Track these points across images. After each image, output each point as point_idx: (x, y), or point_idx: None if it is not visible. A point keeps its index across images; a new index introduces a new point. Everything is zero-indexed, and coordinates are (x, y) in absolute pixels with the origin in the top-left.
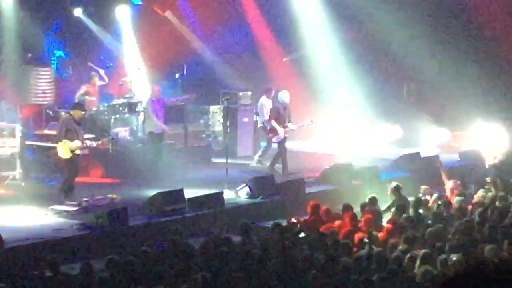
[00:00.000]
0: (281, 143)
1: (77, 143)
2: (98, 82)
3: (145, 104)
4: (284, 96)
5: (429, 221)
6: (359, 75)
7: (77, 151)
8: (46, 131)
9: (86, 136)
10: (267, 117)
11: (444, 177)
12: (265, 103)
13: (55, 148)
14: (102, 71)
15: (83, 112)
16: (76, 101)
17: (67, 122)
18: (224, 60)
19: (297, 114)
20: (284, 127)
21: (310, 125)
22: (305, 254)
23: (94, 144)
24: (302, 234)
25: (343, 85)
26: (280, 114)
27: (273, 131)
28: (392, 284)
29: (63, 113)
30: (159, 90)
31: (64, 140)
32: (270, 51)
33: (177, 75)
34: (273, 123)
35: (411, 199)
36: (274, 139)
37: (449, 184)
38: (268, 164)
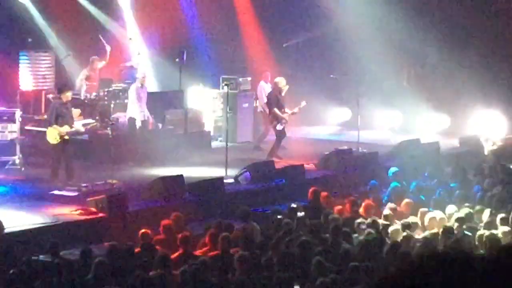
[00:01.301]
0: (281, 131)
1: (66, 128)
2: (99, 65)
3: (131, 90)
4: (281, 82)
5: (430, 208)
6: (359, 60)
7: (66, 137)
8: (46, 116)
9: (85, 121)
10: (265, 100)
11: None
12: (264, 86)
13: None
14: (109, 48)
15: (71, 92)
16: (77, 86)
17: (57, 107)
18: (220, 45)
19: (296, 101)
20: (283, 113)
21: (305, 107)
22: (305, 239)
23: (82, 129)
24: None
25: (342, 71)
26: (279, 101)
27: (276, 119)
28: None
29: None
30: (145, 78)
31: (54, 126)
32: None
33: (176, 60)
34: (276, 112)
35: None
36: (278, 127)
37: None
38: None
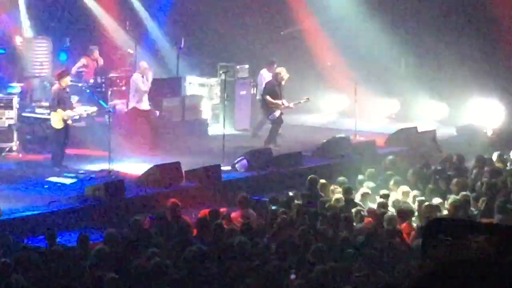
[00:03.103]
0: (276, 120)
1: (69, 112)
2: (98, 57)
3: (132, 80)
4: (282, 72)
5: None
6: (356, 49)
7: (69, 121)
8: (44, 103)
9: (85, 107)
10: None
11: (439, 152)
12: (265, 75)
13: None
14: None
15: (70, 78)
16: (73, 73)
17: (58, 93)
18: (223, 32)
19: (293, 89)
20: (279, 104)
21: (307, 102)
22: (302, 228)
23: (84, 113)
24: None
25: (340, 59)
26: (275, 91)
27: (269, 108)
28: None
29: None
30: (147, 68)
31: (58, 110)
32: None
33: (174, 48)
34: (268, 99)
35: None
36: (269, 117)
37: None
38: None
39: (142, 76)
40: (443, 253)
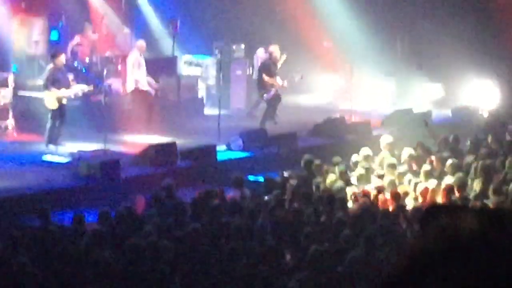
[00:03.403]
0: (271, 100)
1: (63, 92)
2: (92, 35)
3: (129, 59)
4: (275, 51)
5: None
6: (352, 29)
7: (64, 101)
8: (39, 82)
9: (80, 86)
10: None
11: (432, 134)
12: (261, 55)
13: None
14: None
15: (64, 56)
16: (68, 52)
17: (52, 72)
18: (218, 12)
19: (288, 69)
20: (272, 82)
21: (302, 81)
22: (297, 208)
23: (80, 92)
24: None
25: (336, 39)
26: (270, 70)
27: (265, 87)
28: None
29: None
30: (144, 46)
31: (51, 89)
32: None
33: (170, 28)
34: (265, 78)
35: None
36: (264, 96)
37: (440, 139)
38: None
39: (140, 55)
40: (436, 236)
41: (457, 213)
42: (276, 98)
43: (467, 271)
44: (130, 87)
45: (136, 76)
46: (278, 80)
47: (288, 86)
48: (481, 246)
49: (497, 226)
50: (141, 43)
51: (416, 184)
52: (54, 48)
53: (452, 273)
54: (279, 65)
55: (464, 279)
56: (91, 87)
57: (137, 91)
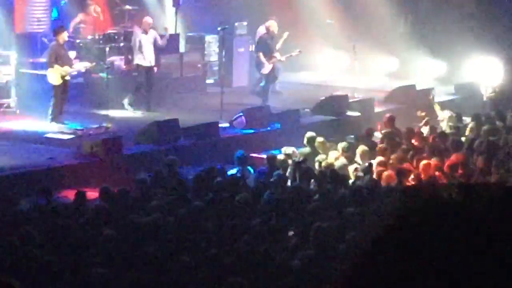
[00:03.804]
0: (269, 75)
1: (67, 68)
2: (94, 13)
3: (133, 36)
4: (272, 26)
5: (424, 154)
6: (355, 6)
7: (67, 77)
8: (41, 59)
9: (83, 63)
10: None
11: (437, 109)
12: (261, 33)
13: None
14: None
15: (66, 33)
16: (71, 29)
17: (55, 49)
18: None
19: (291, 46)
20: (271, 57)
21: (298, 55)
22: (299, 185)
23: (83, 69)
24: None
25: (339, 16)
26: (267, 45)
27: (261, 63)
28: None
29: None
30: (150, 24)
31: (54, 66)
32: None
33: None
34: (260, 56)
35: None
36: (262, 71)
37: (443, 116)
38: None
39: (146, 33)
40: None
41: (439, 188)
42: (273, 73)
43: (442, 234)
44: (134, 64)
45: (140, 53)
46: (277, 55)
47: (286, 60)
48: (454, 213)
49: (470, 197)
50: (147, 20)
51: (418, 160)
52: (57, 26)
53: (428, 234)
54: (280, 42)
55: (439, 240)
56: (93, 64)
57: (139, 68)
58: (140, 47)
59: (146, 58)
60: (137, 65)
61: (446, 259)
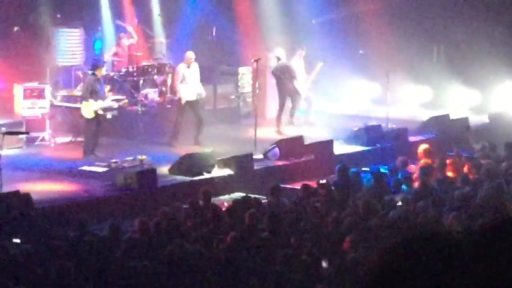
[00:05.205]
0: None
1: (100, 103)
2: (127, 42)
3: (177, 70)
4: (280, 55)
5: (458, 184)
6: (387, 36)
7: (100, 112)
8: (75, 92)
9: (114, 97)
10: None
11: (471, 140)
12: (294, 64)
13: None
14: (130, 28)
15: (104, 68)
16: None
17: (92, 83)
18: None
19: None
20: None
21: (323, 66)
22: (335, 216)
23: (116, 105)
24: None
25: (372, 47)
26: (284, 74)
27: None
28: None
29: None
30: (192, 58)
31: (89, 101)
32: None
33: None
34: (295, 83)
35: None
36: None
37: (478, 147)
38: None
39: (188, 67)
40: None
41: None
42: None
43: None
44: (182, 97)
45: (181, 87)
46: (296, 84)
47: (314, 78)
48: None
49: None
50: (190, 54)
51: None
52: (96, 60)
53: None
54: (313, 74)
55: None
56: (126, 100)
57: (174, 101)
58: (184, 80)
59: (190, 91)
60: (180, 98)
61: None
